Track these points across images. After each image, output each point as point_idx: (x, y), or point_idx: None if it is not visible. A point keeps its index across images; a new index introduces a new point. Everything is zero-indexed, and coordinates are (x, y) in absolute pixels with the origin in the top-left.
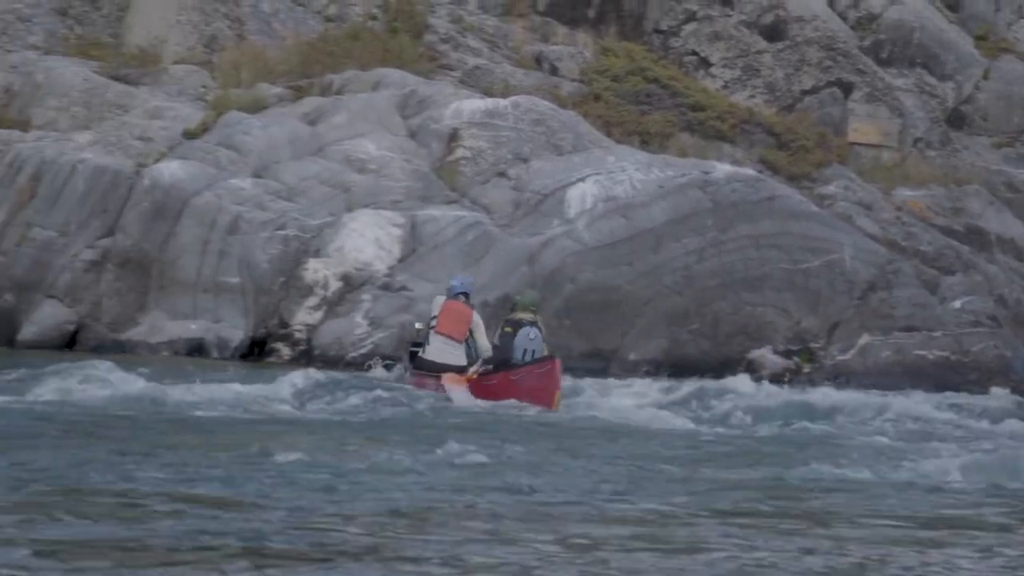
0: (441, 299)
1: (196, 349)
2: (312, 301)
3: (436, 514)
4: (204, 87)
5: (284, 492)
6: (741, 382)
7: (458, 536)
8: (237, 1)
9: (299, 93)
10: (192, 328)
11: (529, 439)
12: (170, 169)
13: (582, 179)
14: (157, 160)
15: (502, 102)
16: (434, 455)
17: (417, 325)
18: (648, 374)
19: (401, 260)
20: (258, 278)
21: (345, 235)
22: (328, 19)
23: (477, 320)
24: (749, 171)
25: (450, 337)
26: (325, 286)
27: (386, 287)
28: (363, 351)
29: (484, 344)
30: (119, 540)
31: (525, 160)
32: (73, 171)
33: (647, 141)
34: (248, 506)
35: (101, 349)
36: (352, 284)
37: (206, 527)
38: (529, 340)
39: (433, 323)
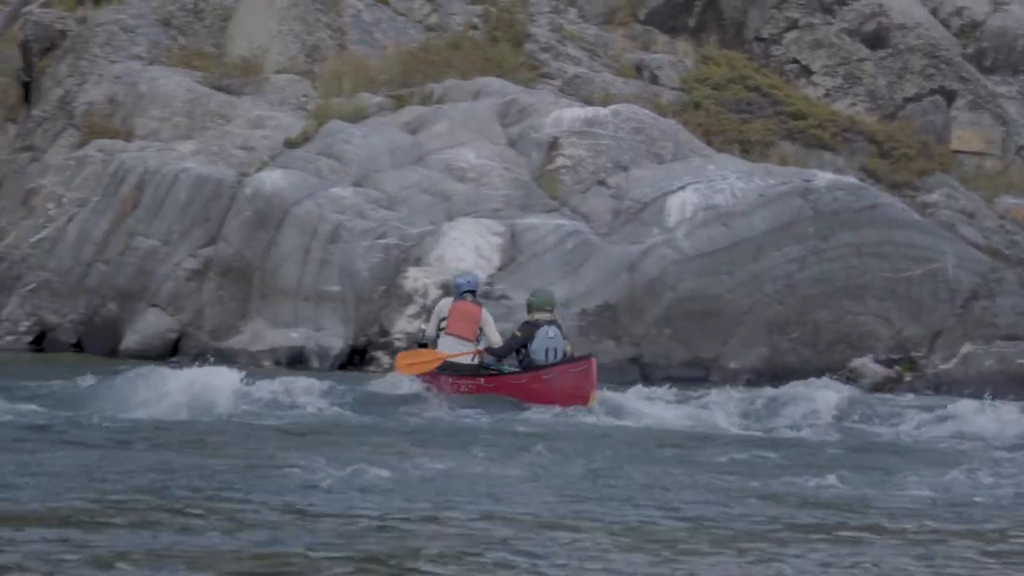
0: (448, 301)
1: (297, 358)
2: (412, 309)
3: (519, 525)
4: (305, 96)
5: (363, 501)
6: (817, 389)
7: (545, 549)
8: (339, 11)
9: (400, 102)
10: (293, 336)
11: (593, 449)
12: (272, 178)
13: (682, 187)
14: (259, 169)
15: (602, 111)
16: (502, 464)
17: (422, 326)
18: (748, 383)
19: (501, 269)
20: (358, 287)
21: (445, 244)
22: (429, 28)
23: (487, 316)
24: (851, 179)
25: (461, 337)
26: (425, 295)
27: (486, 296)
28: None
29: (495, 339)
30: (204, 548)
31: (625, 168)
32: (176, 180)
33: (748, 149)
34: (326, 516)
35: (202, 358)
36: (452, 293)
37: (288, 536)
38: (548, 339)
39: (443, 324)
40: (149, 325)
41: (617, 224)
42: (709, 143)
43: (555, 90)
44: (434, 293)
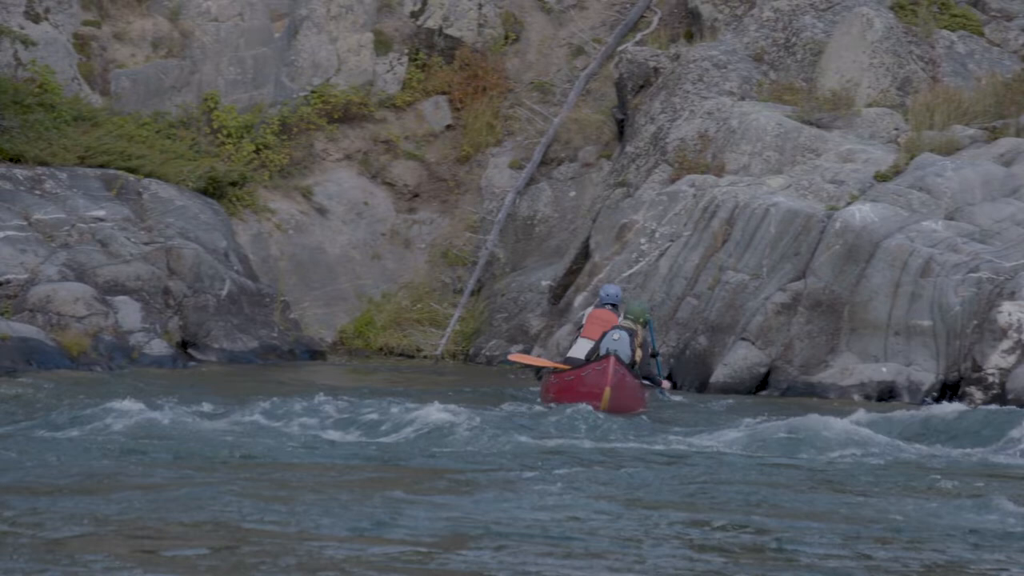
0: (591, 310)
1: (887, 392)
2: (1006, 344)
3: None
4: (896, 130)
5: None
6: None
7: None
8: (932, 43)
9: (994, 134)
10: (883, 371)
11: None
12: (861, 212)
13: None
14: (848, 203)
15: None
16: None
17: (566, 330)
18: None
19: None
20: (950, 321)
21: None
22: None
23: None
24: None
25: (593, 340)
26: (1020, 329)
27: None
28: None
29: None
30: None
31: None
32: (766, 215)
33: None
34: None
35: (791, 392)
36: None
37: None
38: (612, 341)
39: (581, 329)
40: (739, 359)
41: None
42: None
43: None
44: None
